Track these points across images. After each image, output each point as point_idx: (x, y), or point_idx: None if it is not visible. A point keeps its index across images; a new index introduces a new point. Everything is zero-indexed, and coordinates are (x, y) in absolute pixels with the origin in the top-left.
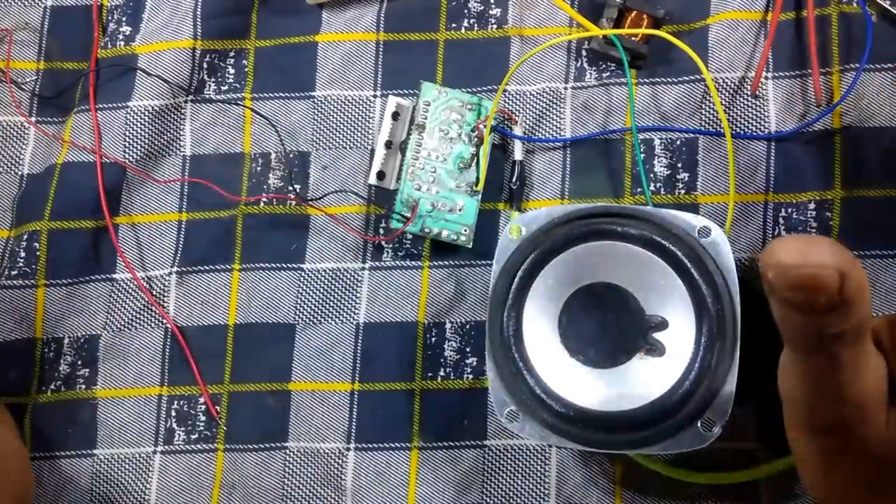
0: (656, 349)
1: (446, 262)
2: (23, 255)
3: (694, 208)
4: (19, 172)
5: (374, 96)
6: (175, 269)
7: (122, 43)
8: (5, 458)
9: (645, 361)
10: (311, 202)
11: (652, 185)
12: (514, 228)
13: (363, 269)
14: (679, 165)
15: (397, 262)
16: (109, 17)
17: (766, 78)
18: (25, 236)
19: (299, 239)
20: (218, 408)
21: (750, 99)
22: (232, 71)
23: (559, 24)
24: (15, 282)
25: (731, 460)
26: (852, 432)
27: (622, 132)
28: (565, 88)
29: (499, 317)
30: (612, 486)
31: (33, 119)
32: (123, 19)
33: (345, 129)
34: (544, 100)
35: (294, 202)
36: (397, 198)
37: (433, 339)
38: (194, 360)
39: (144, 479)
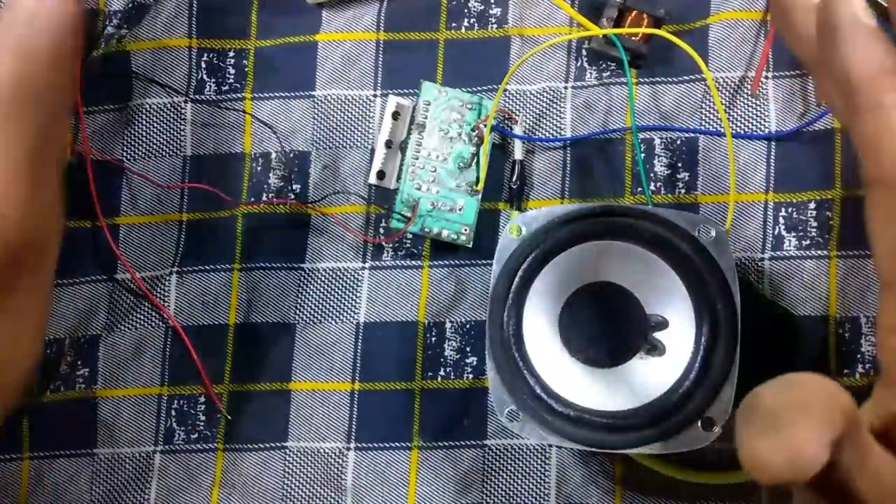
0: (656, 349)
1: (446, 262)
2: None
3: (694, 208)
4: None
5: (375, 96)
6: (175, 269)
7: (121, 42)
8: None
9: (645, 361)
10: (311, 203)
11: (652, 184)
12: (515, 228)
13: (363, 268)
14: (679, 165)
15: (397, 262)
16: (108, 17)
17: (767, 77)
18: None
19: (299, 239)
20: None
21: (750, 98)
22: (232, 71)
23: (559, 23)
24: None
25: (731, 460)
26: None
27: (622, 132)
28: (565, 88)
29: (499, 316)
30: (612, 486)
31: None
32: (122, 18)
33: (345, 128)
34: (544, 99)
35: (294, 202)
36: (397, 197)
37: (433, 339)
38: (198, 357)
39: (144, 479)
